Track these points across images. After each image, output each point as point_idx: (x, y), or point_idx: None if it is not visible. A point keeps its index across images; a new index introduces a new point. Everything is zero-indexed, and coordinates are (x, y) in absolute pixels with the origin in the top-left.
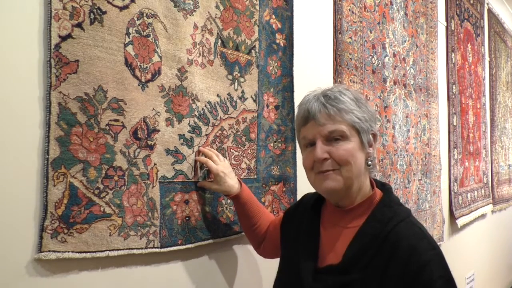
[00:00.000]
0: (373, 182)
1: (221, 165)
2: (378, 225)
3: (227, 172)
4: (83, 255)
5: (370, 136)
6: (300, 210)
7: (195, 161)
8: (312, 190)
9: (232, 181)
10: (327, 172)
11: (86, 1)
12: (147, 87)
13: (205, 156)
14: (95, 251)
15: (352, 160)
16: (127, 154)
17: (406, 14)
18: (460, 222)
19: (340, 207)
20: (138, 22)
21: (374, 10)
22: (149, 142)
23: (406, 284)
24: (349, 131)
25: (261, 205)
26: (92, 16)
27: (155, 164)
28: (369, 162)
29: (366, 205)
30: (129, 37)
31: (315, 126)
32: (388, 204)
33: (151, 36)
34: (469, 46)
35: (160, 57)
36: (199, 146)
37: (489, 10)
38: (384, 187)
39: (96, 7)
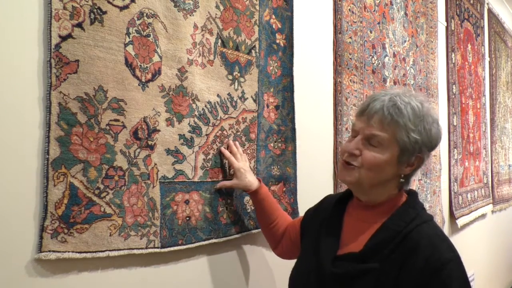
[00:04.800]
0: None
1: (242, 163)
2: (401, 223)
3: (247, 169)
4: (83, 255)
5: (413, 158)
6: (323, 207)
7: (221, 152)
8: (313, 191)
9: (251, 178)
10: (349, 165)
11: (86, 1)
12: (147, 87)
13: (230, 152)
14: (95, 251)
15: (375, 169)
16: (127, 154)
17: (406, 14)
18: (460, 222)
19: (365, 203)
20: (138, 22)
21: (374, 10)
22: (149, 142)
23: (424, 280)
24: (389, 143)
25: (279, 206)
26: (92, 16)
27: (155, 164)
28: (401, 180)
29: (391, 204)
30: (129, 37)
31: (365, 121)
32: (412, 206)
33: (151, 36)
34: (469, 46)
35: (160, 57)
36: (199, 146)
37: (489, 10)
38: (409, 192)
39: (96, 7)
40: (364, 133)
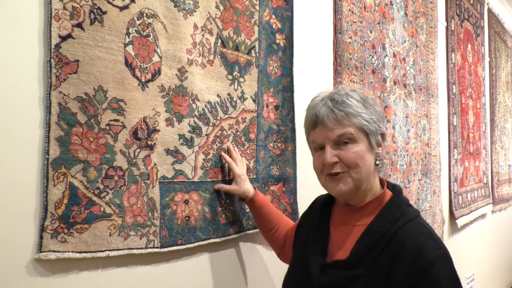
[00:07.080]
0: (384, 182)
1: (242, 169)
2: (386, 224)
3: (246, 177)
4: (83, 255)
5: (379, 137)
6: (312, 212)
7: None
8: (312, 191)
9: (249, 186)
10: (337, 174)
11: (86, 1)
12: (147, 87)
13: (231, 157)
14: (95, 251)
15: (361, 162)
16: (127, 154)
17: (406, 14)
18: (460, 222)
19: (349, 205)
20: (138, 22)
21: (374, 10)
22: (149, 142)
23: (412, 281)
24: (357, 134)
25: (279, 211)
26: (92, 16)
27: (155, 164)
28: (377, 162)
29: (376, 204)
30: (129, 37)
31: (324, 130)
32: (397, 204)
33: (151, 36)
34: (469, 46)
35: (160, 57)
36: (199, 146)
37: (489, 10)
38: (394, 188)
39: (96, 7)
40: (330, 139)
